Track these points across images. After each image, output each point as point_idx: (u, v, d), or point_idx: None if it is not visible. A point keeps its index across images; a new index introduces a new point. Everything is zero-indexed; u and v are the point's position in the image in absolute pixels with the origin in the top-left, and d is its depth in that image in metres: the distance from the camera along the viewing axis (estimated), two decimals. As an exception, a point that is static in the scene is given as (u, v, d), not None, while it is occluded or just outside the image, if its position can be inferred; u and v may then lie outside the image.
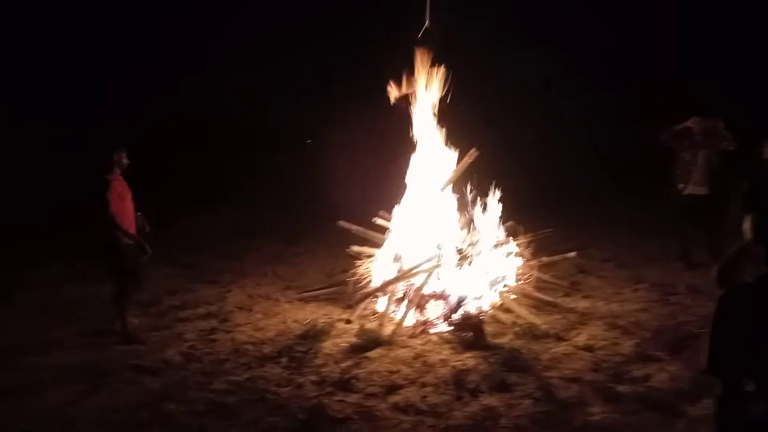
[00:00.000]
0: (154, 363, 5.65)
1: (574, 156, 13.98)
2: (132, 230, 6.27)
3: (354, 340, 5.97)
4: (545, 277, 7.36)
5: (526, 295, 6.88)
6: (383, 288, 6.66)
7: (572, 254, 7.33)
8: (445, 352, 5.66)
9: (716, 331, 2.39)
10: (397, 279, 6.73)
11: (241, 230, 12.03)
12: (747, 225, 2.58)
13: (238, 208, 13.74)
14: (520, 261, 7.11)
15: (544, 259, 7.28)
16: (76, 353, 5.95)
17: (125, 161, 6.22)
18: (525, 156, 13.38)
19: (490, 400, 4.68)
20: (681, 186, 7.82)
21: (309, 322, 6.51)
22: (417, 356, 5.56)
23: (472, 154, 7.01)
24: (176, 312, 7.29)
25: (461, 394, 4.80)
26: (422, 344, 5.88)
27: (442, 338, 6.03)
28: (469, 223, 7.03)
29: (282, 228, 12.03)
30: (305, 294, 7.61)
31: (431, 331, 6.18)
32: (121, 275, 6.28)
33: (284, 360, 5.60)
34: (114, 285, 6.39)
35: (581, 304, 6.99)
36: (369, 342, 5.85)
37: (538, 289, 7.12)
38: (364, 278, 7.16)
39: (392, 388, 4.93)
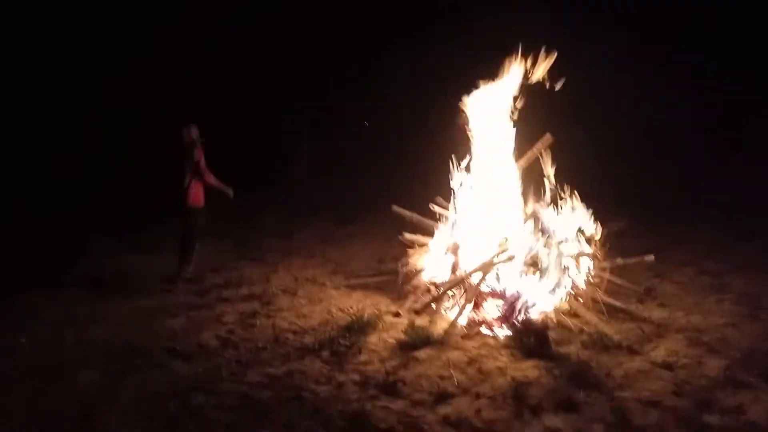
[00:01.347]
0: (188, 346, 5.32)
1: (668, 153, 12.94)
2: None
3: (402, 336, 5.46)
4: (617, 280, 6.66)
5: (595, 300, 6.20)
6: (439, 283, 6.10)
7: (650, 257, 6.59)
8: (503, 359, 5.08)
9: None
10: (455, 273, 6.15)
11: (294, 208, 11.70)
12: None
13: (294, 186, 13.44)
14: (591, 262, 6.42)
15: (619, 260, 6.56)
16: (115, 330, 5.70)
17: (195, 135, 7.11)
18: (610, 152, 12.53)
19: (555, 421, 4.08)
20: None
21: (355, 312, 6.03)
22: (471, 361, 5.01)
23: (547, 139, 6.34)
24: (218, 291, 7.01)
25: (521, 410, 4.21)
26: (477, 347, 5.31)
27: (500, 342, 5.45)
28: (538, 219, 6.35)
29: (336, 208, 11.62)
30: (353, 281, 7.14)
31: (488, 332, 5.61)
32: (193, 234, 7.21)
33: (326, 354, 5.14)
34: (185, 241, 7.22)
35: (657, 314, 6.26)
36: (418, 340, 5.32)
37: (609, 293, 6.43)
38: (417, 268, 6.62)
39: (442, 397, 4.39)
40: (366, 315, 5.90)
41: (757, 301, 6.59)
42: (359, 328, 5.62)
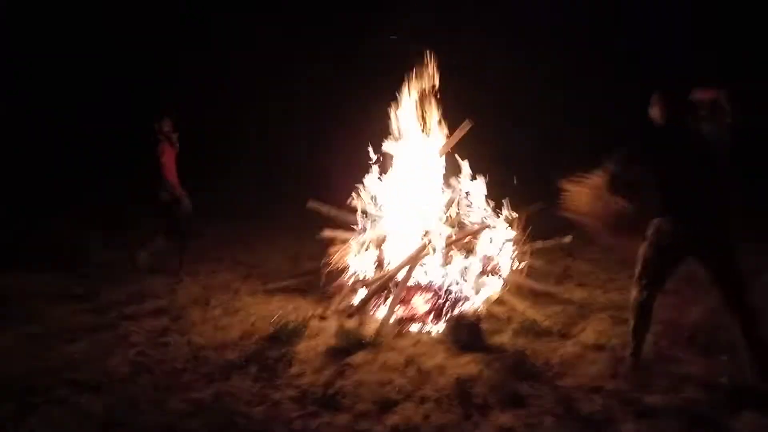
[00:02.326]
0: (94, 375, 4.70)
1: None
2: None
3: (333, 341, 5.17)
4: (536, 263, 6.71)
5: (519, 285, 6.20)
6: (364, 281, 5.84)
7: (567, 238, 6.69)
8: (440, 356, 4.92)
9: None
10: (381, 269, 5.92)
11: (196, 207, 10.98)
12: None
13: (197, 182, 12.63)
14: (512, 247, 6.41)
15: (539, 243, 6.60)
16: (1, 364, 4.96)
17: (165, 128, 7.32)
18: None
19: (505, 418, 3.96)
20: None
21: (278, 319, 5.67)
22: (408, 361, 4.80)
23: (465, 126, 6.23)
24: (120, 307, 6.33)
25: (469, 411, 4.06)
26: (412, 346, 5.12)
27: (434, 338, 5.30)
28: (457, 206, 6.26)
29: (243, 206, 11.02)
30: (270, 285, 6.74)
31: (420, 329, 5.44)
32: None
33: (254, 369, 4.74)
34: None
35: (577, 294, 6.40)
36: (350, 344, 5.05)
37: (530, 277, 6.46)
38: (339, 267, 6.33)
39: (387, 405, 4.15)
40: (290, 322, 5.55)
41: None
42: (286, 336, 5.27)
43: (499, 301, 5.91)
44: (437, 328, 5.45)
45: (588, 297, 6.29)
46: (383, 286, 5.72)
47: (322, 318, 5.70)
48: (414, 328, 5.50)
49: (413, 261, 5.84)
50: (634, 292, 4.48)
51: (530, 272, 6.58)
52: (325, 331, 5.41)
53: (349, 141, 7.65)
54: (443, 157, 6.42)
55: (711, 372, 4.46)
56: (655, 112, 4.37)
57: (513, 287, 6.19)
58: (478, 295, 5.77)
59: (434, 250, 5.90)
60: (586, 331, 5.37)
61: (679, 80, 4.62)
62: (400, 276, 5.84)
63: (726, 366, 4.50)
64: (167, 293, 6.75)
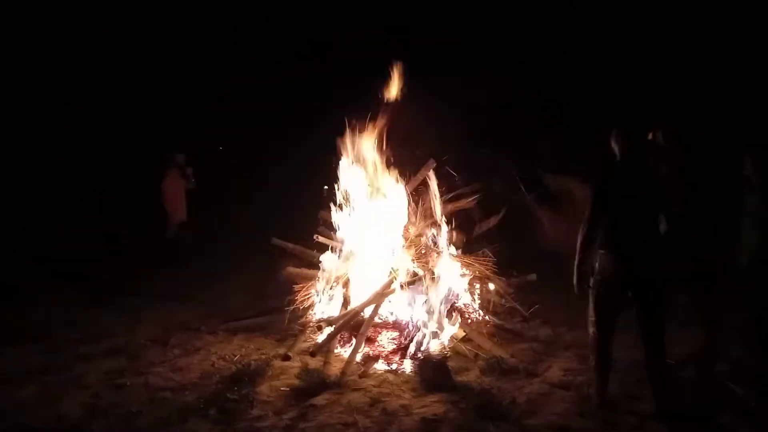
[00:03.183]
0: (45, 421, 4.47)
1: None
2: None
3: (296, 382, 5.04)
4: (502, 300, 6.69)
5: (485, 323, 6.17)
6: (329, 319, 5.73)
7: (532, 276, 6.71)
8: (406, 395, 4.83)
9: None
10: (346, 307, 5.82)
11: (155, 245, 10.73)
12: None
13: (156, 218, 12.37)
14: (477, 285, 6.39)
15: (504, 281, 6.59)
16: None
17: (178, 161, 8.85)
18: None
19: (471, 460, 3.88)
20: None
21: (239, 359, 5.51)
22: (374, 402, 4.70)
23: (430, 165, 6.26)
24: (75, 347, 6.09)
25: (435, 452, 3.98)
26: (377, 385, 5.02)
27: (400, 377, 5.20)
28: (424, 243, 6.24)
29: (204, 243, 10.80)
30: (232, 324, 6.56)
31: (385, 367, 5.34)
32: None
33: (213, 412, 4.56)
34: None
35: (543, 332, 6.40)
36: (314, 385, 4.94)
37: (496, 315, 6.44)
38: (303, 305, 6.21)
39: (351, 448, 4.04)
40: (252, 362, 5.40)
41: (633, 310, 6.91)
42: (247, 377, 5.11)
43: (465, 339, 5.85)
44: (403, 367, 5.35)
45: (553, 334, 6.29)
46: (348, 324, 5.61)
47: (286, 357, 5.53)
48: (380, 367, 5.39)
49: (379, 298, 5.77)
50: (590, 331, 4.51)
51: (496, 310, 6.57)
52: (288, 371, 5.27)
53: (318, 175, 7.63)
54: (407, 193, 6.42)
55: (678, 413, 4.45)
56: (613, 147, 4.46)
57: (479, 325, 6.15)
58: (444, 333, 5.70)
59: (400, 287, 5.84)
60: (552, 369, 5.35)
61: (638, 119, 4.76)
62: (365, 314, 5.76)
63: (690, 403, 4.52)
64: (124, 332, 6.52)
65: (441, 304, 5.78)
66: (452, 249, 6.40)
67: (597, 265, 4.39)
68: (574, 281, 4.43)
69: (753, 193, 5.22)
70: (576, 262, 4.39)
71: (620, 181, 4.37)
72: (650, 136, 7.26)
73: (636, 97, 11.74)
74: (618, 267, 4.30)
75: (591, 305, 4.49)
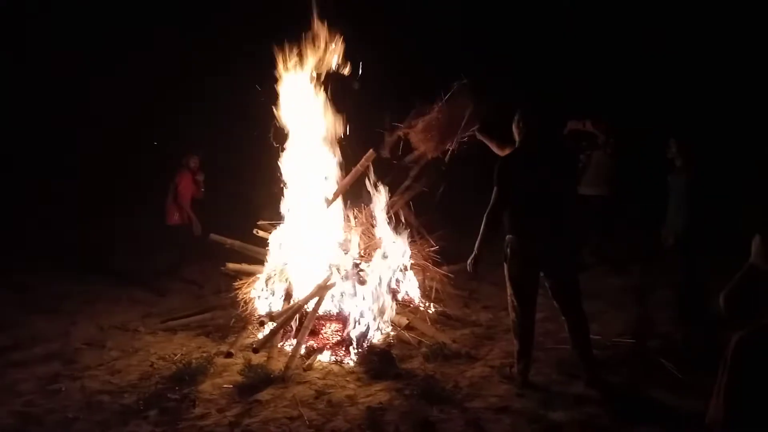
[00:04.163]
0: (-25, 432, 4.29)
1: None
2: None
3: (239, 379, 4.98)
4: (443, 287, 6.79)
5: (428, 311, 6.25)
6: (271, 314, 5.68)
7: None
8: (351, 386, 4.86)
9: (733, 384, 1.89)
10: (289, 302, 5.79)
11: (91, 243, 10.36)
12: (755, 249, 2.10)
13: (90, 216, 11.90)
14: (419, 273, 6.47)
15: (445, 268, 6.69)
16: None
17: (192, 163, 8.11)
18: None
19: (417, 445, 3.94)
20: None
21: (180, 358, 5.40)
22: (319, 394, 4.71)
23: (370, 156, 6.26)
24: (7, 354, 5.83)
25: (381, 440, 4.02)
26: (322, 378, 5.03)
27: (345, 368, 5.22)
28: (365, 234, 6.26)
29: (140, 241, 10.48)
30: (172, 322, 6.42)
31: (330, 360, 5.35)
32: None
33: (153, 413, 4.46)
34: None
35: (483, 316, 6.53)
36: (258, 380, 4.89)
37: (439, 301, 6.54)
38: (245, 301, 6.13)
39: (296, 441, 4.03)
40: (194, 360, 5.30)
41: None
42: (188, 376, 5.01)
43: (409, 327, 5.90)
44: (348, 358, 5.37)
45: (494, 318, 6.43)
46: (291, 318, 5.59)
47: (228, 355, 5.45)
48: (324, 359, 5.40)
49: (321, 291, 5.76)
50: (511, 315, 4.65)
51: (438, 296, 6.66)
52: (231, 368, 5.20)
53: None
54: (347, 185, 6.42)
55: (610, 387, 4.64)
56: (514, 130, 4.57)
57: (422, 312, 6.23)
58: (387, 322, 5.75)
59: (342, 279, 5.84)
60: (493, 352, 5.49)
61: (549, 104, 4.90)
62: (308, 307, 5.74)
63: (624, 380, 4.72)
64: (59, 335, 6.29)
65: (383, 293, 5.82)
66: (394, 237, 6.43)
67: (508, 249, 4.51)
68: (470, 260, 4.54)
69: (677, 176, 5.48)
70: (477, 242, 4.50)
71: (521, 164, 4.45)
72: (583, 125, 7.56)
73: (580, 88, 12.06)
74: (526, 250, 4.41)
75: (509, 290, 4.63)
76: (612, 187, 7.62)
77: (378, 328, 5.67)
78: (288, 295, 5.95)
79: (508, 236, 4.51)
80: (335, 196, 6.21)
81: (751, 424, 1.89)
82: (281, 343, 5.61)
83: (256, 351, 5.13)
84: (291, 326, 5.71)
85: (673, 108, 11.10)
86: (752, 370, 1.92)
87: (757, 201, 3.28)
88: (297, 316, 5.63)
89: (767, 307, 3.29)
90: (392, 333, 5.73)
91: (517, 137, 4.58)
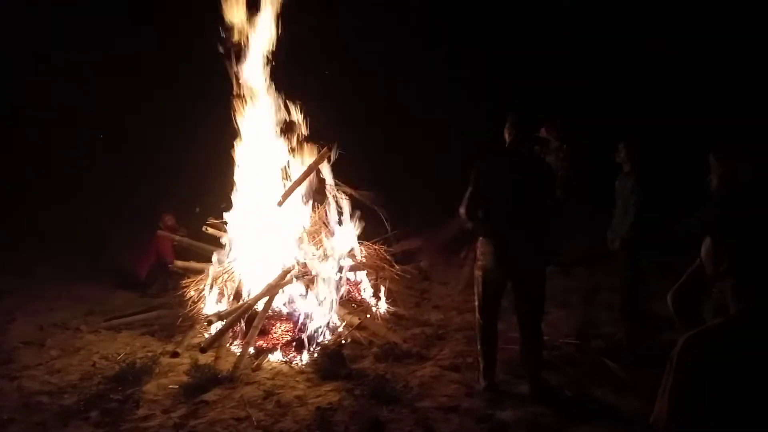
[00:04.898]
0: None
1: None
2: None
3: (185, 379, 4.87)
4: (394, 287, 6.81)
5: (379, 309, 6.25)
6: (219, 313, 5.57)
7: (424, 263, 6.87)
8: (301, 386, 4.81)
9: (679, 386, 1.96)
10: (238, 300, 5.69)
11: (30, 235, 9.90)
12: (705, 252, 2.18)
13: (30, 206, 11.34)
14: (368, 271, 6.46)
15: (398, 268, 6.70)
16: None
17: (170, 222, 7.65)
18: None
19: (365, 445, 3.93)
20: None
21: (123, 358, 5.25)
22: (267, 394, 4.64)
23: (324, 153, 6.22)
24: (-63, 355, 5.55)
25: (330, 441, 3.99)
26: (271, 378, 4.96)
27: (294, 368, 5.17)
28: (317, 233, 6.21)
29: (83, 234, 10.10)
30: (115, 321, 6.23)
31: (280, 359, 5.29)
32: None
33: (94, 414, 4.33)
34: None
35: (434, 316, 6.56)
36: (205, 380, 4.79)
37: (389, 300, 6.54)
38: (193, 300, 6.00)
39: (244, 442, 3.97)
40: (138, 360, 5.16)
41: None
42: (132, 376, 4.87)
43: (360, 327, 5.90)
44: (298, 358, 5.32)
45: (444, 318, 6.46)
46: (240, 318, 5.50)
47: (174, 354, 5.32)
48: (274, 359, 5.33)
49: (272, 290, 5.69)
50: (476, 317, 4.67)
51: (389, 296, 6.67)
52: (177, 369, 5.09)
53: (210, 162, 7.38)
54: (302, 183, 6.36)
55: (557, 387, 4.73)
56: (505, 135, 4.52)
57: (373, 312, 6.23)
58: (339, 321, 5.72)
59: (294, 278, 5.79)
60: (443, 352, 5.51)
61: (529, 110, 4.92)
62: (258, 306, 5.66)
63: (569, 380, 4.82)
64: (-6, 335, 6.02)
65: (334, 293, 5.79)
66: (346, 237, 6.42)
67: (479, 252, 4.52)
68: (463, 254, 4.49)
69: (625, 180, 5.64)
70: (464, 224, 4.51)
71: (503, 169, 4.45)
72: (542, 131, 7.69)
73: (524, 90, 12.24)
74: (497, 255, 4.40)
75: (475, 292, 4.65)
76: (565, 190, 7.78)
77: (329, 328, 5.62)
78: (237, 294, 5.85)
79: (481, 239, 4.50)
80: (286, 195, 6.13)
81: (696, 424, 1.95)
82: (230, 343, 5.51)
83: (203, 351, 5.03)
84: (240, 326, 5.62)
85: (626, 112, 11.38)
86: (697, 372, 1.98)
87: (711, 205, 3.39)
88: (246, 315, 5.54)
89: (712, 308, 3.43)
90: (344, 333, 5.69)
91: (508, 141, 4.52)
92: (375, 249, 6.49)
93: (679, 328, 4.01)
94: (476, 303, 4.64)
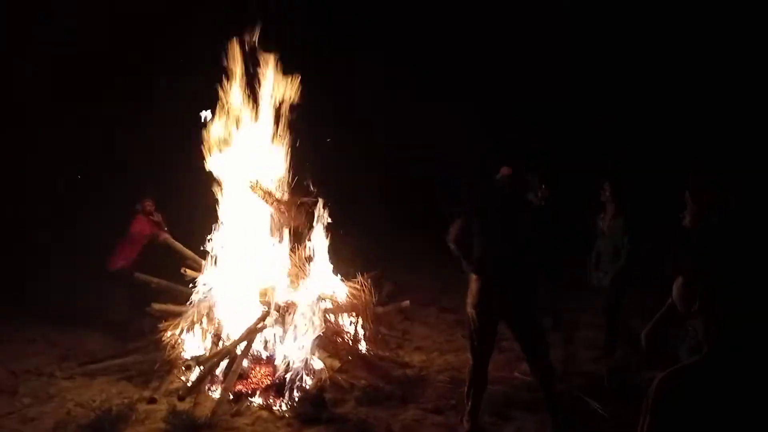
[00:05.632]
0: None
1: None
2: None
3: (163, 426, 4.77)
4: (375, 328, 6.76)
5: (360, 351, 6.20)
6: (198, 358, 5.48)
7: (406, 303, 6.86)
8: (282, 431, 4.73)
9: (655, 426, 1.99)
10: (217, 345, 5.61)
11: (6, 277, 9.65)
12: (677, 291, 2.23)
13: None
14: (350, 313, 6.42)
15: (379, 309, 6.67)
16: None
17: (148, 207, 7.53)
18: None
19: (348, 493, 3.86)
20: None
21: (99, 405, 5.11)
22: (248, 441, 4.56)
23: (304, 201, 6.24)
24: None
25: (312, 490, 3.91)
26: (251, 424, 4.88)
27: (275, 413, 5.08)
28: (296, 274, 6.18)
29: (56, 275, 9.89)
30: (91, 367, 6.09)
31: (260, 403, 5.20)
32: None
33: (69, 465, 4.21)
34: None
35: (417, 357, 6.52)
36: (183, 428, 4.70)
37: (372, 342, 6.49)
38: (170, 344, 5.90)
39: (223, 494, 3.87)
40: (114, 407, 5.03)
41: (497, 333, 7.24)
42: (108, 424, 4.75)
43: (341, 370, 5.84)
44: (279, 403, 5.23)
45: (426, 360, 6.43)
46: (219, 362, 5.41)
47: (151, 400, 5.24)
48: (254, 404, 5.24)
49: (251, 335, 5.62)
50: (469, 356, 4.65)
51: (370, 338, 6.62)
52: (155, 416, 4.99)
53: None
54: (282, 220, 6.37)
55: (541, 427, 4.71)
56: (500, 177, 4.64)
57: (354, 354, 6.17)
58: (318, 365, 5.66)
59: (273, 322, 5.74)
60: (426, 394, 5.47)
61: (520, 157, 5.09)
62: (238, 350, 5.58)
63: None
64: (-37, 383, 5.84)
65: (314, 335, 5.74)
66: (327, 277, 6.40)
67: (469, 290, 4.53)
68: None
69: (614, 219, 5.79)
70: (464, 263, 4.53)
71: (493, 210, 4.55)
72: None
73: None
74: (486, 293, 4.42)
75: (468, 332, 4.64)
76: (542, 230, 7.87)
77: (309, 371, 5.55)
78: (216, 337, 5.77)
79: (473, 279, 4.51)
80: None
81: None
82: (208, 388, 5.41)
83: (182, 398, 4.93)
84: (219, 370, 5.53)
85: (601, 150, 11.66)
86: (672, 412, 2.00)
87: (683, 244, 3.48)
88: (226, 359, 5.46)
89: (687, 346, 3.46)
90: (324, 376, 5.62)
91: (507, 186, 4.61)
92: (357, 288, 6.44)
93: (654, 368, 4.06)
94: (469, 343, 4.63)
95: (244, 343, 5.57)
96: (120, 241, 7.51)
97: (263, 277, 6.09)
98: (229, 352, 5.52)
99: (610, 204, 5.83)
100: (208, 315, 5.94)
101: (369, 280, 6.40)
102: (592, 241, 6.13)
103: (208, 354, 5.55)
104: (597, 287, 6.03)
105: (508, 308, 4.45)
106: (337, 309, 6.23)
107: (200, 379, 5.20)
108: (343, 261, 7.04)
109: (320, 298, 6.09)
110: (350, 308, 6.28)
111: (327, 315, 6.02)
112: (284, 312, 5.77)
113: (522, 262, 4.43)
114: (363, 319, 6.26)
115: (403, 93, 13.56)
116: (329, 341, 5.89)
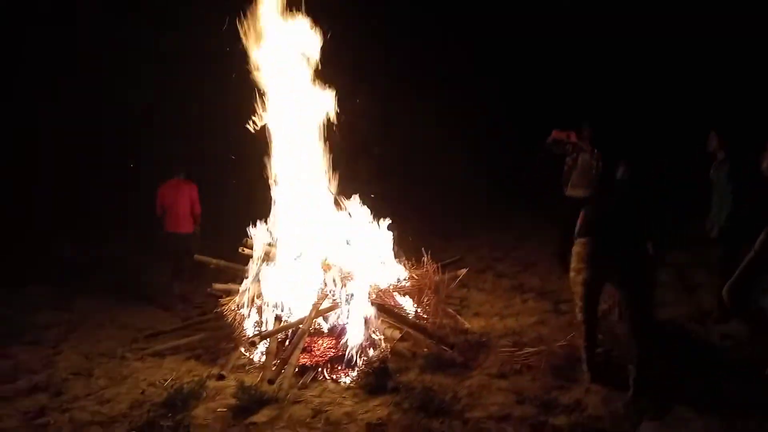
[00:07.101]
0: (-40, 473, 4.14)
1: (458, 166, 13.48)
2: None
3: (233, 401, 4.87)
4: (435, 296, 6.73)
5: (419, 319, 6.19)
6: (262, 334, 5.58)
7: (463, 271, 6.81)
8: (348, 402, 4.78)
9: None
10: (280, 321, 5.70)
11: (70, 267, 10.05)
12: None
13: (67, 238, 11.54)
14: (408, 282, 6.42)
15: (437, 278, 6.64)
16: None
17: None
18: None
19: (420, 460, 3.88)
20: (564, 189, 7.69)
21: (171, 384, 5.27)
22: (316, 413, 4.62)
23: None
24: (-12, 389, 5.63)
25: (383, 457, 3.95)
26: (318, 395, 4.94)
27: (340, 384, 5.14)
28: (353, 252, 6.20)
29: (121, 263, 10.25)
30: (160, 347, 6.28)
31: (325, 377, 5.27)
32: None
33: (148, 442, 4.36)
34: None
35: (476, 323, 6.48)
36: (253, 402, 4.79)
37: (428, 310, 6.48)
38: (234, 321, 6.02)
39: (297, 463, 3.95)
40: (185, 385, 5.17)
41: (555, 295, 7.16)
42: (181, 401, 4.89)
43: (402, 339, 5.86)
44: (343, 374, 5.29)
45: (486, 325, 6.39)
46: (284, 336, 5.49)
47: (220, 377, 5.36)
48: (319, 376, 5.31)
49: (316, 309, 5.67)
50: (578, 316, 4.78)
51: (433, 309, 6.60)
52: (225, 392, 5.10)
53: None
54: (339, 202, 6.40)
55: (609, 389, 4.62)
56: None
57: (415, 323, 6.17)
58: (381, 335, 5.69)
59: (335, 296, 5.78)
60: (488, 360, 5.43)
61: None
62: (301, 325, 5.65)
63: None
64: (44, 367, 6.10)
65: (374, 306, 5.76)
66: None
67: (577, 251, 4.70)
68: None
69: (719, 168, 5.60)
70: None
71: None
72: (567, 136, 7.62)
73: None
74: (599, 252, 4.60)
75: (577, 290, 4.72)
76: (597, 188, 7.66)
77: (371, 342, 5.59)
78: (278, 315, 5.85)
79: (580, 240, 4.75)
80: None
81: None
82: (273, 363, 5.50)
83: (271, 382, 4.97)
84: (284, 344, 5.62)
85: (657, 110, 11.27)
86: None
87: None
88: (292, 333, 5.54)
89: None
90: (387, 346, 5.65)
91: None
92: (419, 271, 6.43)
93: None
94: (578, 303, 4.78)
95: (308, 317, 5.63)
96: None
97: (324, 249, 6.12)
98: (293, 328, 5.59)
99: (719, 152, 5.66)
100: (266, 292, 6.01)
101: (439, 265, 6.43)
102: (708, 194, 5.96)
103: (272, 330, 5.63)
104: (711, 238, 5.89)
105: (618, 268, 4.59)
106: (401, 289, 6.24)
107: (284, 362, 5.22)
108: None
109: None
110: (416, 291, 6.29)
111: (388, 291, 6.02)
112: (345, 283, 5.79)
113: (634, 225, 4.62)
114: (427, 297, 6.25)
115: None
116: (390, 312, 5.89)
